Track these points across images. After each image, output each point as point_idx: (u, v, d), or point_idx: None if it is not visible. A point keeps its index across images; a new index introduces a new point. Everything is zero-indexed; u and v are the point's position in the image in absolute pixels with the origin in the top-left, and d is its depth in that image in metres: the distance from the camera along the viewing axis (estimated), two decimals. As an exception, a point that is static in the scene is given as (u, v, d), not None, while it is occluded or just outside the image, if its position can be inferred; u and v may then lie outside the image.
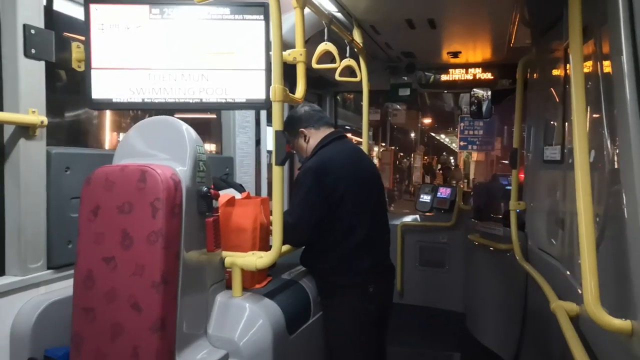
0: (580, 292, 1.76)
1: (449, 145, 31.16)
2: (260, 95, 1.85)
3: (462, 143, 5.90)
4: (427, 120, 22.10)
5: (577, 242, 1.97)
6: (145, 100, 1.81)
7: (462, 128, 5.74)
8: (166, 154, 1.57)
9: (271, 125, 1.70)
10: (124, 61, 1.81)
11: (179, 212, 1.48)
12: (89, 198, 1.50)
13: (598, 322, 1.25)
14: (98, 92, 1.80)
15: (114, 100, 1.82)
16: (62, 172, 1.73)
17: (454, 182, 16.21)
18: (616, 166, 1.42)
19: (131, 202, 1.46)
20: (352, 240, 2.07)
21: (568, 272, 2.03)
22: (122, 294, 1.44)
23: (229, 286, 1.79)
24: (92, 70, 1.80)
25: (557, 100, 2.28)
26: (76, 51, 1.86)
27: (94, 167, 1.55)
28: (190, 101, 1.83)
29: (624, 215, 1.32)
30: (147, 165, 1.48)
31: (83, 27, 1.79)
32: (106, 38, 1.79)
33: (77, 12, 1.98)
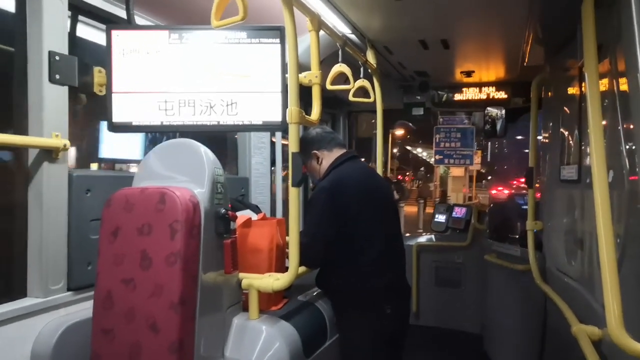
0: (601, 315, 1.73)
1: (427, 160, 30.08)
2: (277, 117, 1.87)
3: (437, 157, 5.20)
4: (400, 132, 19.53)
5: (597, 263, 1.94)
6: (164, 123, 1.84)
7: (437, 140, 5.05)
8: (185, 176, 1.60)
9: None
10: (143, 85, 1.85)
11: (198, 234, 1.49)
12: (109, 219, 1.53)
13: (622, 347, 1.23)
14: (119, 115, 1.84)
15: (134, 123, 1.85)
16: (82, 194, 1.76)
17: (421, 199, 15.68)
18: (635, 185, 1.41)
19: (150, 223, 1.47)
20: (367, 259, 2.07)
21: (588, 294, 2.00)
22: (141, 315, 1.44)
23: (245, 308, 1.79)
24: (113, 94, 1.84)
25: (573, 119, 2.27)
26: (98, 76, 1.91)
27: (114, 190, 1.57)
28: (208, 123, 1.86)
29: None
30: (166, 188, 1.50)
31: (104, 53, 1.84)
32: (126, 63, 1.84)
33: (98, 38, 2.04)
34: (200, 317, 1.50)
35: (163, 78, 1.85)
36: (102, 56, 1.85)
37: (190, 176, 1.59)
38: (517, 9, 2.23)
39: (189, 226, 1.46)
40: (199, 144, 1.67)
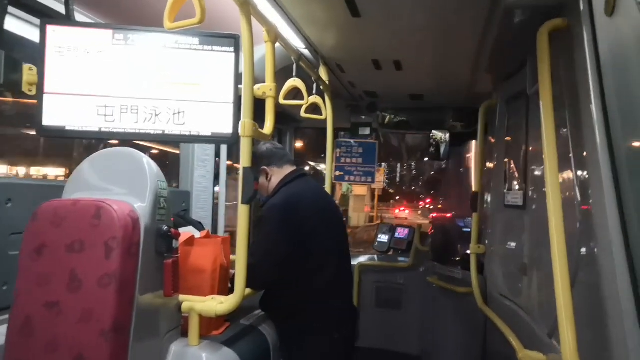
0: (545, 341, 1.74)
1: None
2: (227, 129, 1.77)
3: (337, 173, 4.71)
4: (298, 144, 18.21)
5: (540, 289, 1.98)
6: (103, 129, 1.68)
7: (338, 155, 4.61)
8: (124, 189, 1.45)
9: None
10: (81, 87, 1.68)
11: (136, 253, 1.35)
12: (33, 234, 1.35)
13: None
14: (50, 118, 1.65)
15: (67, 128, 1.68)
16: (2, 204, 1.57)
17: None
18: (587, 214, 1.44)
19: (82, 240, 1.32)
20: (319, 281, 2.00)
21: (530, 319, 2.02)
22: (65, 344, 1.28)
23: (184, 333, 1.65)
24: (45, 95, 1.66)
25: (519, 145, 2.34)
26: (28, 74, 1.72)
27: (41, 201, 1.40)
28: (152, 132, 1.72)
29: (597, 262, 1.32)
30: (103, 201, 1.36)
31: (37, 49, 1.66)
32: (62, 62, 1.67)
33: (31, 34, 1.86)
34: (134, 344, 1.35)
35: (104, 81, 1.70)
36: (35, 53, 1.67)
37: (130, 189, 1.45)
38: (469, 36, 2.28)
39: (127, 244, 1.32)
40: (140, 153, 1.53)
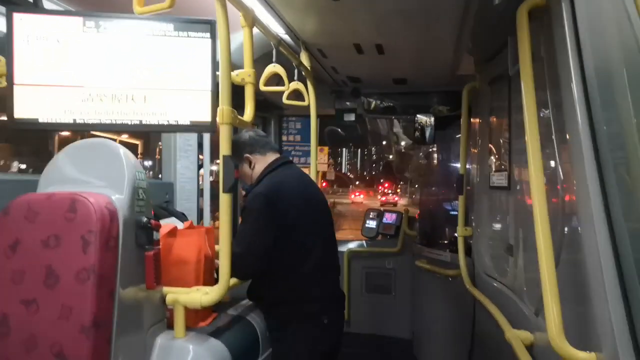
0: (532, 319, 1.75)
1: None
2: (206, 117, 1.73)
3: None
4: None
5: (526, 269, 1.99)
6: (77, 121, 1.64)
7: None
8: (101, 181, 1.42)
9: None
10: (53, 78, 1.63)
11: (115, 246, 1.32)
12: (6, 231, 1.31)
13: (563, 355, 1.22)
14: (22, 110, 1.60)
15: (41, 120, 1.63)
16: None
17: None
18: (568, 192, 1.43)
19: (58, 235, 1.28)
20: (305, 268, 1.98)
21: (517, 299, 2.03)
22: (44, 342, 1.25)
23: (170, 326, 1.63)
24: (15, 87, 1.60)
25: (502, 127, 2.33)
26: (-4, 65, 1.67)
27: (14, 195, 1.36)
28: (129, 122, 1.67)
29: (580, 241, 1.32)
30: (78, 194, 1.32)
31: (4, 39, 1.61)
32: (32, 51, 1.62)
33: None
34: (117, 340, 1.33)
35: (77, 70, 1.64)
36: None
37: (108, 181, 1.42)
38: (450, 19, 2.26)
39: (104, 237, 1.29)
40: (117, 144, 1.49)
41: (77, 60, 1.64)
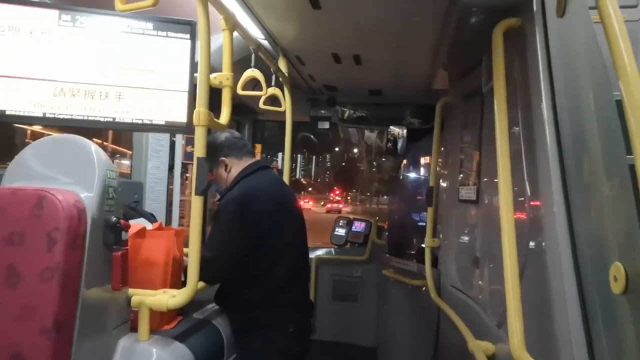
0: (494, 331, 1.80)
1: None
2: (181, 118, 1.72)
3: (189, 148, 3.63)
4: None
5: (490, 281, 2.04)
6: (47, 115, 1.60)
7: None
8: (69, 178, 1.38)
9: None
10: (24, 70, 1.59)
11: (82, 245, 1.29)
12: (-33, 226, 1.26)
13: None
14: (-11, 101, 1.56)
15: (8, 112, 1.58)
16: None
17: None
18: (535, 208, 1.48)
19: (23, 232, 1.25)
20: (276, 274, 1.97)
21: (481, 310, 2.08)
22: (1, 343, 1.20)
23: (134, 328, 1.60)
24: (-17, 77, 1.56)
25: (473, 142, 2.39)
26: (-37, 53, 1.61)
27: (-23, 189, 1.32)
28: (102, 120, 1.65)
29: (545, 256, 1.37)
30: (46, 190, 1.28)
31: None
32: (3, 42, 1.57)
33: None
34: (78, 341, 1.29)
35: (49, 64, 1.61)
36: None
37: (77, 178, 1.38)
38: (427, 33, 2.31)
39: (71, 236, 1.25)
40: (88, 141, 1.46)
41: (50, 53, 1.61)
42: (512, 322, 1.31)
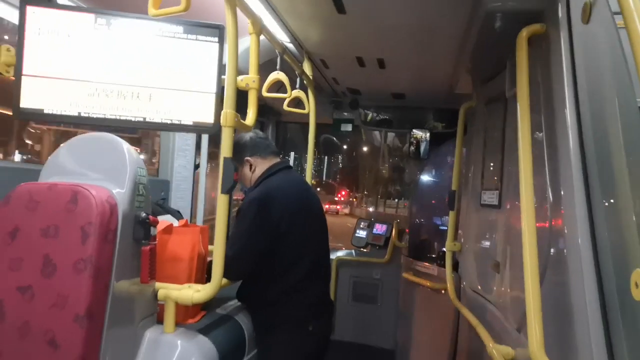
0: (514, 336, 1.80)
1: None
2: (209, 119, 1.77)
3: None
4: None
5: (511, 286, 2.03)
6: (82, 114, 1.66)
7: None
8: (102, 174, 1.45)
9: None
10: (61, 70, 1.66)
11: (113, 239, 1.35)
12: (6, 218, 1.34)
13: None
14: (28, 101, 1.63)
15: (46, 111, 1.66)
16: None
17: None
18: (558, 213, 1.48)
19: (58, 225, 1.31)
20: (296, 273, 2.01)
21: (501, 315, 2.08)
22: (38, 329, 1.27)
23: (160, 320, 1.65)
24: (23, 77, 1.63)
25: (496, 147, 2.38)
26: (5, 55, 1.69)
27: (16, 183, 1.39)
28: (133, 119, 1.70)
29: (566, 262, 1.37)
30: (80, 185, 1.35)
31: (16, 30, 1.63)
32: (42, 44, 1.65)
33: (9, 14, 1.82)
34: (108, 330, 1.35)
35: (84, 65, 1.68)
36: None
37: (109, 175, 1.45)
38: (451, 38, 2.32)
39: (103, 230, 1.31)
40: (120, 139, 1.53)
41: (86, 55, 1.67)
42: (532, 327, 1.32)
